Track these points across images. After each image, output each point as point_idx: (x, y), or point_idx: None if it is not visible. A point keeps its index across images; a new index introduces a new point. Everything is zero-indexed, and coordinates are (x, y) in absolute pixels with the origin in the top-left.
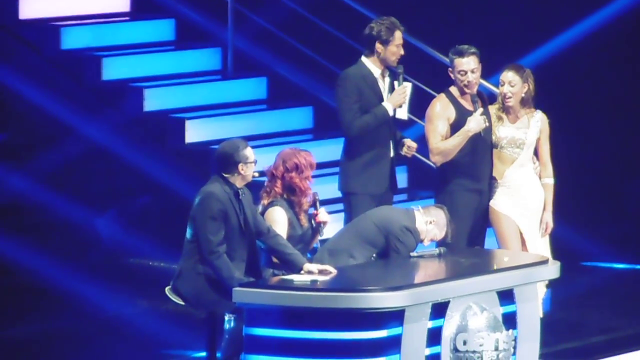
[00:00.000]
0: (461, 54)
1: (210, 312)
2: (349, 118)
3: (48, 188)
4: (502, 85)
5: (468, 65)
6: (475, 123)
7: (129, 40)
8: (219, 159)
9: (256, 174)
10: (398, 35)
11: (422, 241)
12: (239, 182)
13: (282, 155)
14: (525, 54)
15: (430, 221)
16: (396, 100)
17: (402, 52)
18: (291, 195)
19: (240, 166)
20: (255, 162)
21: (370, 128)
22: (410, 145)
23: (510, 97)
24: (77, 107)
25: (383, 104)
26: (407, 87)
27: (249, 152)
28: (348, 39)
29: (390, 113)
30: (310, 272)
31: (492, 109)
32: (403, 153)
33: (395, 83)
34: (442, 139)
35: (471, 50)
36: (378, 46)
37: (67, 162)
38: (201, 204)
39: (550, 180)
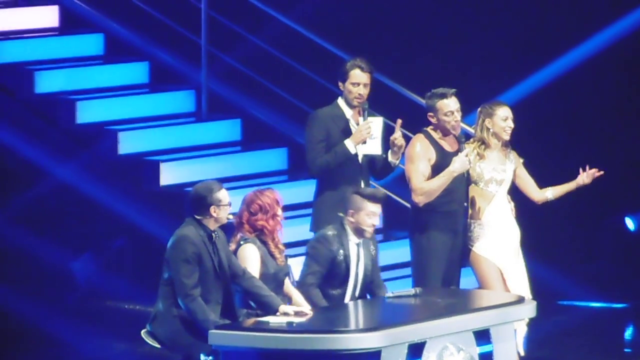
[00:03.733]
0: (444, 96)
1: (186, 354)
2: (311, 157)
3: (23, 231)
4: (504, 120)
5: (453, 105)
6: (460, 164)
7: (103, 83)
8: (192, 202)
9: (230, 217)
10: (355, 74)
11: (363, 233)
12: (212, 225)
13: (245, 201)
14: (498, 91)
15: (351, 213)
16: (358, 137)
17: (360, 91)
18: (261, 236)
19: (213, 209)
20: (230, 204)
21: (332, 166)
22: (395, 140)
23: (511, 131)
24: (52, 150)
25: (345, 141)
26: (373, 122)
27: (222, 194)
28: (323, 80)
29: (352, 150)
30: (286, 314)
31: (470, 146)
32: (397, 160)
33: (360, 119)
34: (424, 179)
35: (452, 91)
36: (340, 84)
37: (42, 205)
38: (175, 247)
39: (548, 191)
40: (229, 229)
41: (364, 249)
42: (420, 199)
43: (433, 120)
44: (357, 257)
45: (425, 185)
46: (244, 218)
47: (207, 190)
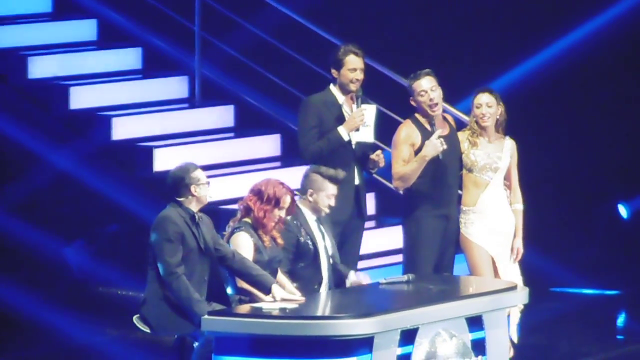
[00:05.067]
0: (417, 77)
1: (178, 337)
2: (304, 143)
3: (16, 217)
4: (478, 108)
5: (426, 84)
6: (431, 147)
7: (96, 69)
8: (171, 185)
9: (212, 195)
10: (350, 60)
11: (319, 212)
12: (194, 206)
13: (262, 180)
14: (491, 79)
15: (310, 192)
16: (351, 124)
17: (358, 76)
18: (251, 219)
19: (192, 188)
20: (208, 183)
21: (325, 153)
22: (374, 159)
23: (488, 117)
24: (45, 136)
25: (338, 128)
26: (367, 109)
27: (199, 173)
28: (315, 66)
29: (345, 137)
30: (276, 299)
31: (464, 134)
32: (374, 170)
33: (354, 106)
34: (404, 164)
35: (425, 71)
36: (333, 72)
37: (35, 192)
38: (156, 229)
39: (520, 206)
40: (223, 215)
41: (324, 224)
42: (397, 184)
43: (414, 104)
44: (320, 232)
45: (400, 170)
46: (250, 192)
47: (183, 171)
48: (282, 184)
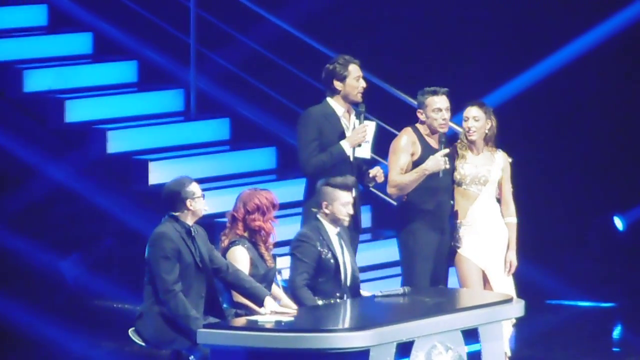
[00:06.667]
0: (435, 93)
1: (174, 351)
2: (305, 156)
3: (12, 231)
4: (465, 121)
5: (442, 103)
6: (433, 163)
7: (91, 82)
8: (166, 199)
9: (207, 208)
10: (353, 69)
11: (339, 222)
12: (190, 219)
13: (242, 198)
14: (487, 93)
15: (325, 205)
16: (354, 139)
17: (363, 84)
18: (254, 236)
19: (188, 202)
20: (203, 196)
21: (327, 166)
22: (375, 174)
23: (474, 132)
24: (41, 149)
25: (341, 142)
26: (369, 125)
27: (194, 187)
28: (311, 79)
29: (348, 152)
30: (273, 312)
31: (462, 149)
32: (371, 184)
33: (356, 122)
34: (401, 172)
35: (444, 90)
36: (337, 84)
37: (30, 205)
38: (153, 245)
39: (512, 219)
40: (216, 229)
41: (344, 237)
42: (392, 191)
43: (422, 117)
44: (340, 247)
45: (398, 179)
46: (239, 215)
47: (179, 185)
48: (250, 190)
